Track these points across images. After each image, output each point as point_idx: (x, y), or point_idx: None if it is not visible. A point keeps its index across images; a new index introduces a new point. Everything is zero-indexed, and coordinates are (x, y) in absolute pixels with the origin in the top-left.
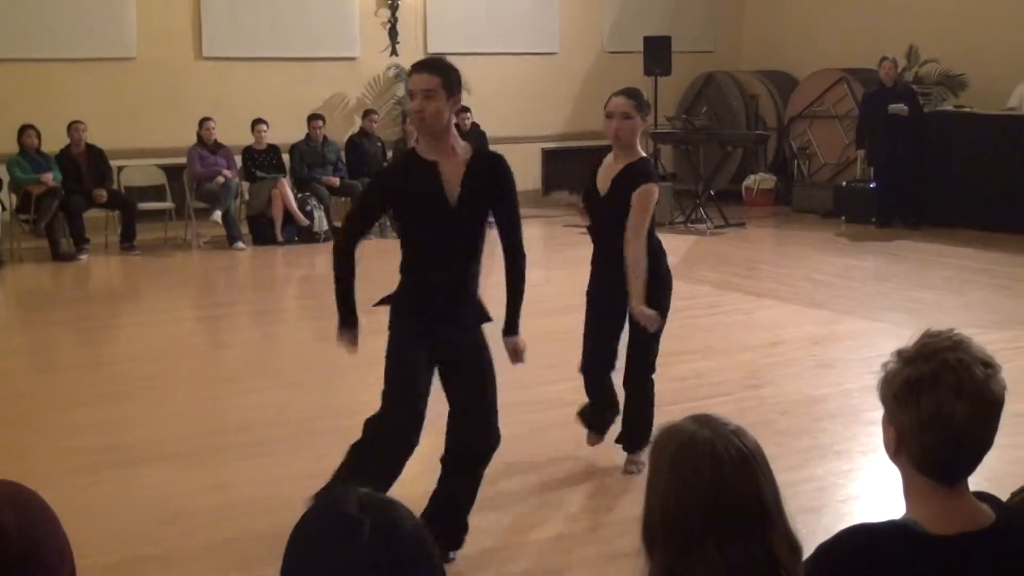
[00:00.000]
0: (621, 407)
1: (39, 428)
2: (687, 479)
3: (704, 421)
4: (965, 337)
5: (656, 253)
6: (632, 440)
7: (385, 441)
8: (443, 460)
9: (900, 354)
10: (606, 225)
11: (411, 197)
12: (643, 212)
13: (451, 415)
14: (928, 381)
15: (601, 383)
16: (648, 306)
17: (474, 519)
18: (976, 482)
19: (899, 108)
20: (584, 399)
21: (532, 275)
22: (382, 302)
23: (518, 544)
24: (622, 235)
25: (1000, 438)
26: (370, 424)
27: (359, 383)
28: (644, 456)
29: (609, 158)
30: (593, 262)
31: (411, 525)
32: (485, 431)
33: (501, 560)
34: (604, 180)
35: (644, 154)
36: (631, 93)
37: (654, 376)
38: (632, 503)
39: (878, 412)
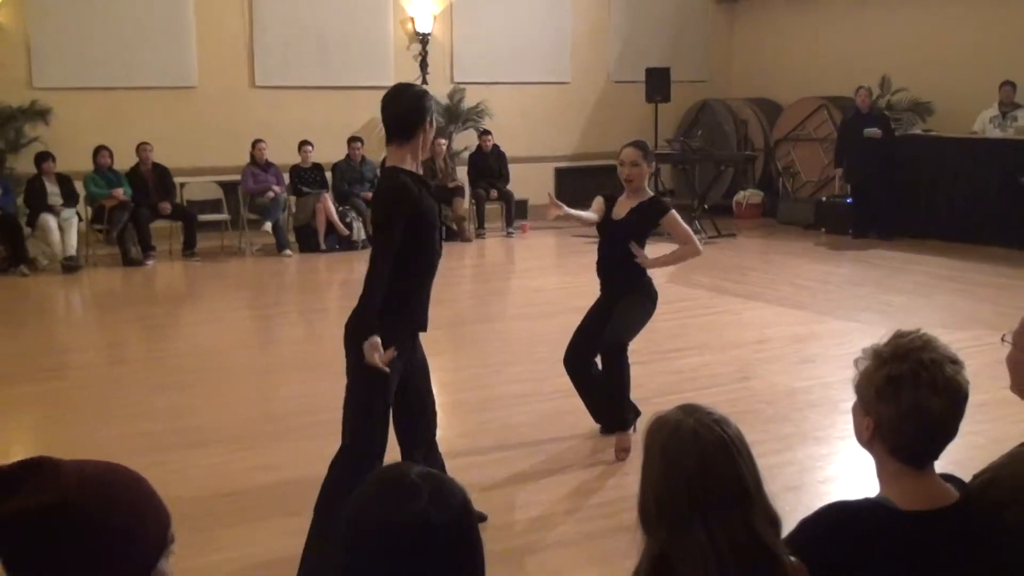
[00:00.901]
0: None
1: (111, 413)
2: (674, 464)
3: (690, 411)
4: (932, 337)
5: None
6: (608, 420)
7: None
8: (410, 448)
9: (877, 353)
10: (615, 245)
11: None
12: (683, 224)
13: (412, 412)
14: (908, 379)
15: (579, 374)
16: (636, 307)
17: (495, 496)
18: (942, 465)
19: (873, 132)
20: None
21: (545, 280)
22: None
23: (535, 518)
24: (626, 256)
25: (964, 426)
26: (349, 463)
27: None
28: (627, 440)
29: (623, 197)
30: (600, 280)
31: (461, 496)
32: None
33: (520, 532)
34: (620, 211)
35: (652, 192)
36: (639, 145)
37: (626, 361)
38: (634, 483)
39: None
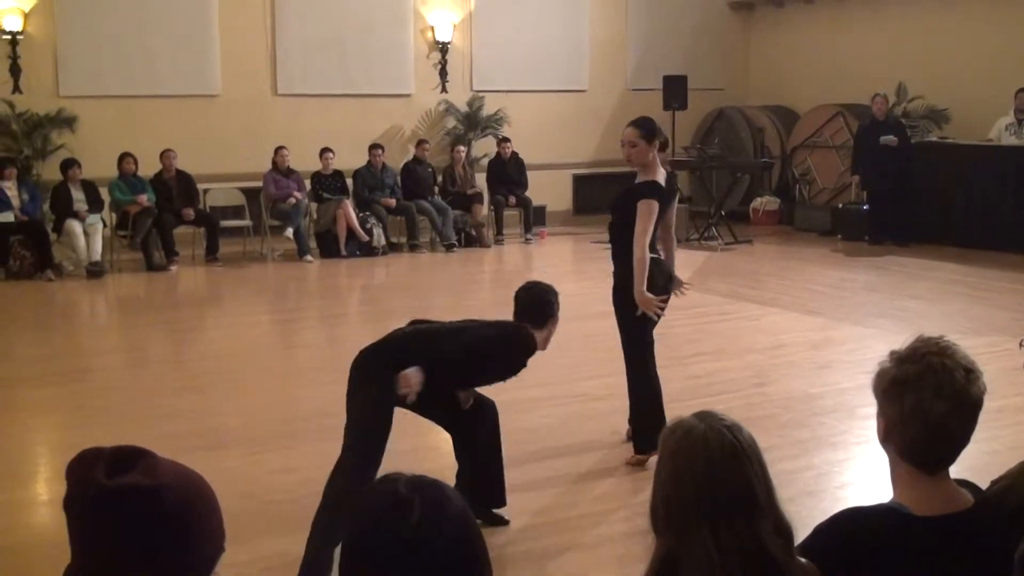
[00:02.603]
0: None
1: (134, 415)
2: (683, 468)
3: (704, 417)
4: (953, 344)
5: (655, 263)
6: (635, 439)
7: None
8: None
9: (893, 354)
10: (613, 227)
11: None
12: (644, 218)
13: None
14: (912, 381)
15: None
16: (625, 320)
17: (513, 499)
18: (958, 471)
19: (889, 139)
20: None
21: (563, 286)
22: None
23: (553, 521)
24: (621, 236)
25: (980, 432)
26: (347, 475)
27: None
28: (647, 456)
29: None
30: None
31: (458, 503)
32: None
33: (538, 535)
34: None
35: (657, 178)
36: (638, 123)
37: (645, 377)
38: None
39: (870, 408)
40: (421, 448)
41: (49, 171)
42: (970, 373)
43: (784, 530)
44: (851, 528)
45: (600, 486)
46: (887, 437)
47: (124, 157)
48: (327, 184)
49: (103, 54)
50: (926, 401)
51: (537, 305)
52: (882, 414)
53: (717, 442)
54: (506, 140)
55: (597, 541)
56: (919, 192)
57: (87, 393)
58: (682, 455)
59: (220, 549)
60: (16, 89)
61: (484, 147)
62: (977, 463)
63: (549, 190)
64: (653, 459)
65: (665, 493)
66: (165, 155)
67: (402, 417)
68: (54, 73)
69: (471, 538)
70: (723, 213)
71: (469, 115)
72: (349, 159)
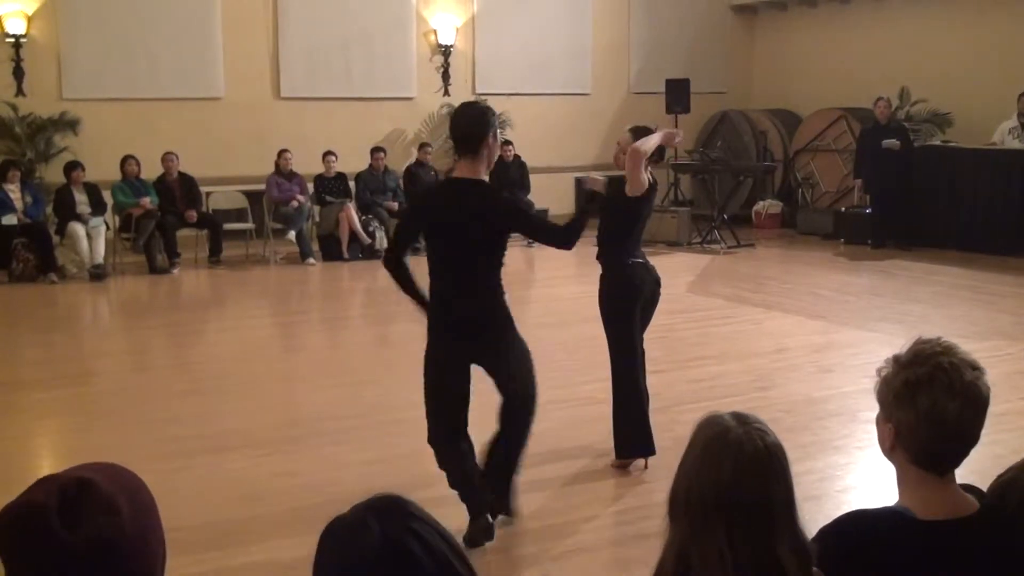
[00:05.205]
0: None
1: (138, 419)
2: (711, 465)
3: (742, 419)
4: (953, 344)
5: (633, 269)
6: (616, 445)
7: None
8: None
9: (896, 359)
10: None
11: None
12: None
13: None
14: (925, 381)
15: None
16: (607, 318)
17: (515, 501)
18: (962, 475)
19: (892, 143)
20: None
21: (565, 289)
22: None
23: (554, 524)
24: (607, 239)
25: (984, 435)
26: None
27: (416, 381)
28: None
29: None
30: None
31: (420, 513)
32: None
33: (539, 538)
34: None
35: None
36: (634, 129)
37: (631, 384)
38: (654, 491)
39: (873, 412)
40: (421, 452)
41: (52, 174)
42: (976, 370)
43: (800, 548)
44: (855, 531)
45: (602, 489)
46: (896, 443)
47: (127, 160)
48: (330, 187)
49: (106, 57)
50: (940, 401)
51: (472, 132)
52: (891, 419)
53: (750, 450)
54: (508, 143)
55: (598, 544)
56: (922, 196)
57: (90, 396)
58: (712, 452)
59: (163, 563)
60: (19, 92)
61: None
62: (981, 467)
63: (551, 193)
64: (639, 462)
65: (688, 483)
66: (166, 158)
67: (404, 422)
68: (57, 76)
69: (441, 544)
70: (725, 217)
71: None
72: (352, 162)
